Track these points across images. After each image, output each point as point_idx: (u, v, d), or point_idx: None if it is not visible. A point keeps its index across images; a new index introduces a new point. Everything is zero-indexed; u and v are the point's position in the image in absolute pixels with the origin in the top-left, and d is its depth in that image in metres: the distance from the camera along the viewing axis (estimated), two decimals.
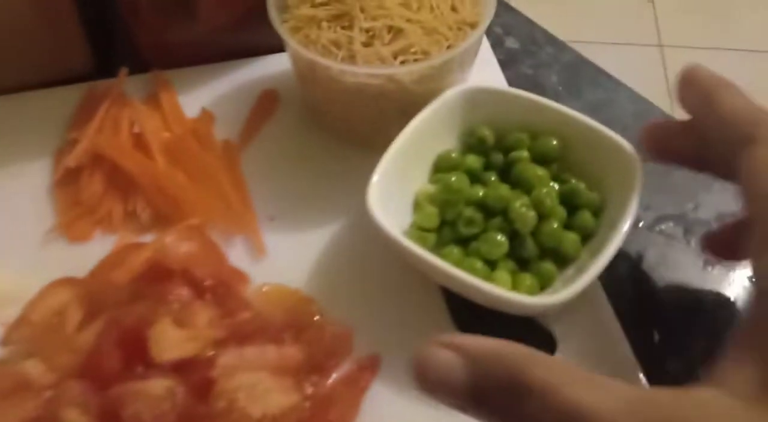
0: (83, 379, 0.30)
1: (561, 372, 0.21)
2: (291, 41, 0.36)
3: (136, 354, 0.30)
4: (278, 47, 0.41)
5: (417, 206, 0.36)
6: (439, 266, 0.31)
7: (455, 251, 0.34)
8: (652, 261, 0.37)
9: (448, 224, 0.35)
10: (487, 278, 0.32)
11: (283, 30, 0.37)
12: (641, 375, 0.32)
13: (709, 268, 0.37)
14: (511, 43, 0.49)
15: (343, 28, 0.37)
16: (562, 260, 0.34)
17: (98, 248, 0.36)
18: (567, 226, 0.34)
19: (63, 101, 0.42)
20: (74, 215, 0.37)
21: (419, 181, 0.37)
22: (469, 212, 0.34)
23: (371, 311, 0.34)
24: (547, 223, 0.34)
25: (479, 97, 0.37)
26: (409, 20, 0.36)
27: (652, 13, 1.52)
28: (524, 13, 0.51)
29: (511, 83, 0.44)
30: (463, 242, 0.34)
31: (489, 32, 0.49)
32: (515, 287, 0.33)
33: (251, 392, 0.29)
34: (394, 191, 0.35)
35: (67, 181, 0.39)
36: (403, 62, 0.36)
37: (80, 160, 0.39)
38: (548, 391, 0.21)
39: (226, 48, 0.44)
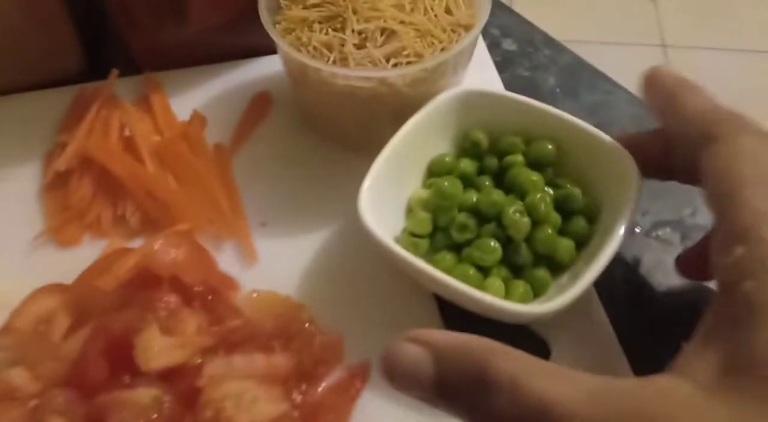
0: (69, 388, 0.30)
1: (525, 364, 0.22)
2: (282, 43, 0.36)
3: (122, 362, 0.30)
4: (272, 49, 0.41)
5: (410, 211, 0.36)
6: (431, 274, 0.30)
7: (448, 257, 0.33)
8: (649, 267, 0.37)
9: (441, 230, 0.34)
10: (480, 285, 0.32)
11: (274, 32, 0.36)
12: None
13: None
14: (508, 44, 0.48)
15: (335, 30, 0.36)
16: (557, 267, 0.33)
17: (87, 253, 0.36)
18: (562, 232, 0.34)
19: (53, 103, 0.42)
20: (63, 219, 0.37)
21: (413, 185, 0.36)
22: (462, 217, 0.34)
23: (363, 318, 0.34)
24: (542, 229, 0.33)
25: (473, 101, 0.37)
26: (402, 22, 0.36)
27: (655, 12, 1.51)
28: (526, 13, 0.51)
29: (507, 86, 0.44)
30: (456, 248, 0.34)
31: (486, 34, 0.48)
32: (508, 294, 0.32)
33: (238, 401, 0.29)
34: (387, 195, 0.34)
35: (56, 185, 0.38)
36: (395, 65, 0.35)
37: (69, 163, 0.38)
38: (513, 383, 0.21)
39: (219, 49, 0.43)
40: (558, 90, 0.46)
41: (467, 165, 0.36)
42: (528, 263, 0.33)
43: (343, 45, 0.36)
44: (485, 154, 0.36)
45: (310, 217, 0.38)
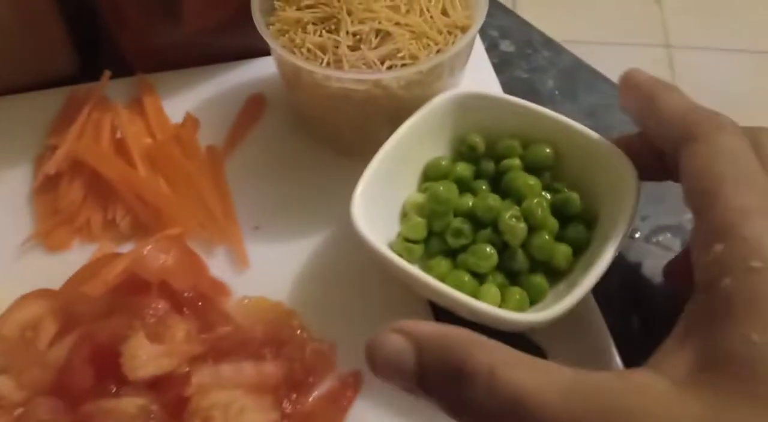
0: (54, 396, 0.29)
1: (504, 355, 0.22)
2: (275, 45, 0.35)
3: (108, 370, 0.29)
4: (266, 50, 0.40)
5: (404, 215, 0.35)
6: (424, 281, 0.30)
7: (443, 263, 0.33)
8: (649, 273, 0.36)
9: (435, 235, 0.34)
10: (475, 291, 0.31)
11: (267, 33, 0.35)
12: None
13: None
14: (506, 46, 0.48)
15: (329, 31, 0.36)
16: (554, 274, 0.33)
17: (77, 257, 0.35)
18: (559, 238, 0.33)
19: (44, 105, 0.41)
20: (53, 223, 0.36)
21: (408, 189, 0.36)
22: (457, 223, 0.33)
23: (356, 325, 0.33)
24: (538, 235, 0.32)
25: (470, 103, 0.36)
26: (397, 24, 0.35)
27: (659, 12, 1.50)
28: (529, 12, 0.50)
29: (506, 88, 0.43)
30: (452, 254, 0.33)
31: (484, 35, 0.47)
32: (504, 301, 0.31)
33: (226, 411, 0.28)
34: (381, 199, 0.33)
35: (46, 188, 0.38)
36: (390, 67, 0.35)
37: (60, 167, 0.38)
38: (490, 374, 0.21)
39: (212, 51, 0.43)
40: (557, 92, 0.45)
41: (463, 169, 0.35)
42: (524, 269, 0.33)
43: (337, 47, 0.35)
44: (482, 157, 0.36)
45: (303, 221, 0.37)
